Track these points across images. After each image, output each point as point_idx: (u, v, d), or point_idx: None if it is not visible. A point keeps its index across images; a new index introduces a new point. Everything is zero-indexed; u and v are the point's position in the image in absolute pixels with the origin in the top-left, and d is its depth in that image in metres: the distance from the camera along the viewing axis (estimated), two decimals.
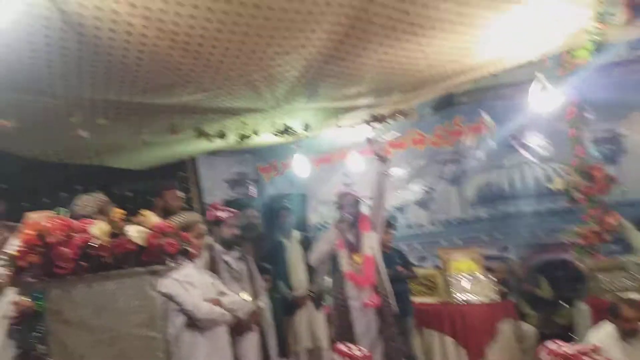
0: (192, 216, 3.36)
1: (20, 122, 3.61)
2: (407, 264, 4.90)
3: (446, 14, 2.87)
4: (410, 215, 6.31)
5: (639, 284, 3.99)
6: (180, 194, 4.00)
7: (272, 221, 6.45)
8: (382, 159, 3.83)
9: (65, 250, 1.65)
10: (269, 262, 4.78)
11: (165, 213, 3.54)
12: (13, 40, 2.55)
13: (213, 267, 3.85)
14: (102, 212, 2.83)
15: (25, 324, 2.69)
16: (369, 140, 3.86)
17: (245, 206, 4.59)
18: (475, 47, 3.39)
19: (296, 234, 4.96)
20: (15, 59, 2.74)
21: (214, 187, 6.52)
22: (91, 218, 2.56)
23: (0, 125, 3.38)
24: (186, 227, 3.08)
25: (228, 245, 3.98)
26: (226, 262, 3.94)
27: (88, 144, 4.43)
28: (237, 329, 3.57)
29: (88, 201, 2.94)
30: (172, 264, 1.92)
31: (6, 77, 2.95)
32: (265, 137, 4.95)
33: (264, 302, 4.07)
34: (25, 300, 2.55)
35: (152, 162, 5.66)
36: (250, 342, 3.88)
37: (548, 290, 5.41)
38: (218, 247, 3.96)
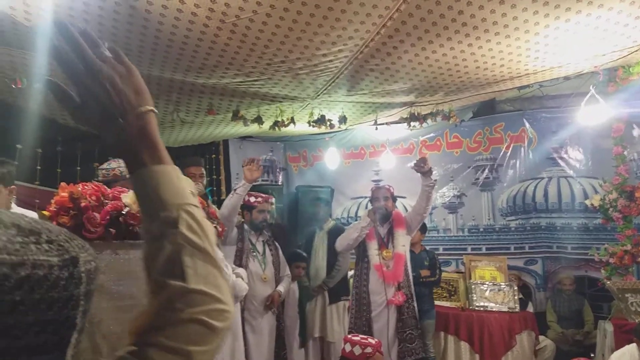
0: None
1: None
2: (434, 268, 4.80)
3: (502, 18, 2.79)
4: (437, 218, 6.20)
5: None
6: (196, 170, 3.90)
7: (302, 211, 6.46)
8: (426, 173, 3.78)
9: (96, 215, 1.66)
10: (305, 250, 4.81)
11: None
12: (68, 2, 2.56)
13: (242, 247, 3.95)
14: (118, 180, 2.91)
15: None
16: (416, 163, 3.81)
17: (269, 193, 4.58)
18: (528, 53, 3.29)
19: (328, 224, 4.91)
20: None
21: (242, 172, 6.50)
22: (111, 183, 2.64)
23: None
24: None
25: (257, 229, 4.07)
26: (253, 245, 4.02)
27: None
28: None
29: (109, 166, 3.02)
30: None
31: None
32: (299, 126, 4.92)
33: (284, 289, 4.08)
34: None
35: (185, 141, 5.71)
36: (268, 327, 3.91)
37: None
38: (247, 228, 4.07)
